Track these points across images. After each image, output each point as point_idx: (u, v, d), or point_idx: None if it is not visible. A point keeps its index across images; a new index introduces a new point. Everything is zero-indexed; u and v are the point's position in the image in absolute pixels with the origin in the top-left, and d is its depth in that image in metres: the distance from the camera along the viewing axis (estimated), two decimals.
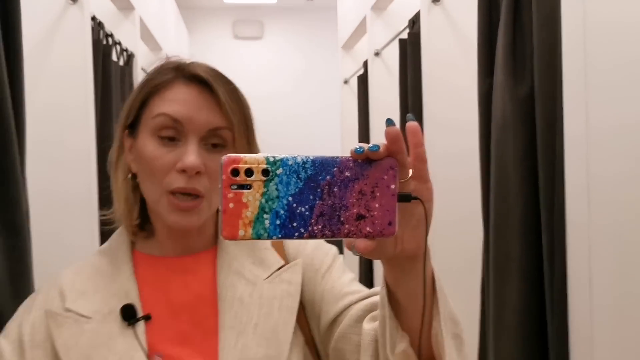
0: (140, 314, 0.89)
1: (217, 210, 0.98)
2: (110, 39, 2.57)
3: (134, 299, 0.90)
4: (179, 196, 0.88)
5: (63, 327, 0.88)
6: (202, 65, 0.92)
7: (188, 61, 0.93)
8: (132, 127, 0.94)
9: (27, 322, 0.90)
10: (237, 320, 0.88)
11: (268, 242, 0.97)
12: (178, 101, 0.89)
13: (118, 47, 2.75)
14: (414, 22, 2.58)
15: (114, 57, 2.66)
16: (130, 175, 0.94)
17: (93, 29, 2.26)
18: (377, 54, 3.26)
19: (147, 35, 3.57)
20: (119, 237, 0.98)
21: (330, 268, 0.95)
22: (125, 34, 2.95)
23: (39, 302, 0.92)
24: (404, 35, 2.73)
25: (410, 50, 2.57)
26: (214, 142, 0.90)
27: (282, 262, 0.95)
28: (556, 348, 1.47)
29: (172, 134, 0.88)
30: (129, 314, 0.89)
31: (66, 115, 2.05)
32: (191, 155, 0.87)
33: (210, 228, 0.98)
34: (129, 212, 0.94)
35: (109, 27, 2.57)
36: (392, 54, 3.01)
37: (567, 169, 1.40)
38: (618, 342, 1.33)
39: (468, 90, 2.06)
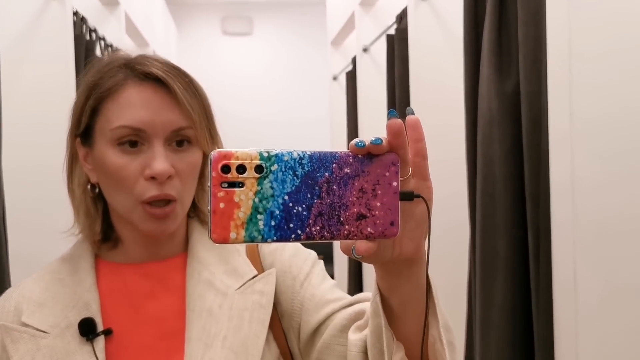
0: (100, 328, 0.85)
1: (188, 214, 0.95)
2: (94, 34, 2.53)
3: (94, 311, 0.86)
4: (154, 204, 0.84)
5: (19, 343, 0.84)
6: (153, 60, 0.86)
7: (134, 55, 0.88)
8: (85, 135, 0.88)
9: None
10: (205, 332, 0.84)
11: (242, 249, 0.93)
12: (135, 106, 0.83)
13: (102, 42, 2.71)
14: (401, 18, 2.56)
15: (98, 53, 2.63)
16: (89, 186, 0.90)
17: (75, 23, 2.22)
18: (365, 50, 3.23)
19: (133, 31, 3.53)
20: (83, 243, 0.93)
21: (310, 275, 0.90)
22: (111, 30, 2.91)
23: None
24: (392, 31, 2.71)
25: (397, 46, 2.55)
26: (178, 140, 0.86)
27: (255, 272, 0.90)
28: (542, 346, 1.46)
29: (134, 138, 0.84)
30: (87, 329, 0.84)
31: (46, 111, 2.01)
32: (159, 160, 0.82)
33: (181, 232, 0.93)
34: (91, 225, 0.90)
35: (93, 23, 2.53)
36: (380, 50, 2.99)
37: (552, 165, 1.39)
38: (603, 340, 1.32)
39: (455, 86, 2.04)
